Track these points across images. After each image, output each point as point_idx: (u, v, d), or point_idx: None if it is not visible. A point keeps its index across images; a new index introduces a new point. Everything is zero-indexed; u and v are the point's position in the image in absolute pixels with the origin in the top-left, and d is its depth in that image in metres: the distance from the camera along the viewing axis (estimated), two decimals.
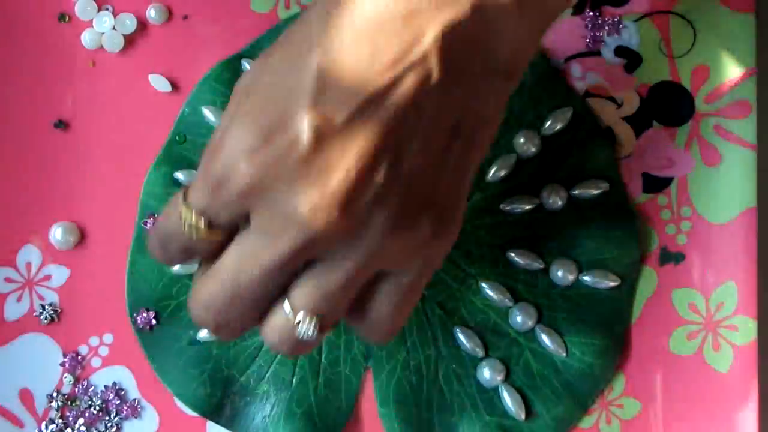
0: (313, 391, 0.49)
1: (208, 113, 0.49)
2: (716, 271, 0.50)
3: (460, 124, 0.36)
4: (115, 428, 0.49)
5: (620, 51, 0.51)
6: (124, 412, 0.49)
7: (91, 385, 0.49)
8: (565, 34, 0.51)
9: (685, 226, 0.50)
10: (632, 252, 0.50)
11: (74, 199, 0.49)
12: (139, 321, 0.49)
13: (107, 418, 0.49)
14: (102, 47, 0.50)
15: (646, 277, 0.50)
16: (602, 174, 0.50)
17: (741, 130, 0.50)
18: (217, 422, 0.49)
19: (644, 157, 0.51)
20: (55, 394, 0.49)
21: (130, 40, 0.50)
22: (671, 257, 0.50)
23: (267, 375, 0.49)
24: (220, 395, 0.49)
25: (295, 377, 0.49)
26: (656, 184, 0.51)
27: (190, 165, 0.49)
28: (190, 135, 0.49)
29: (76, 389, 0.49)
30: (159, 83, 0.50)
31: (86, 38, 0.50)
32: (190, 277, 0.49)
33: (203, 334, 0.49)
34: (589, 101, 0.51)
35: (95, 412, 0.49)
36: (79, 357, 0.49)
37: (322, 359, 0.49)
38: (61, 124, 0.50)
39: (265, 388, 0.49)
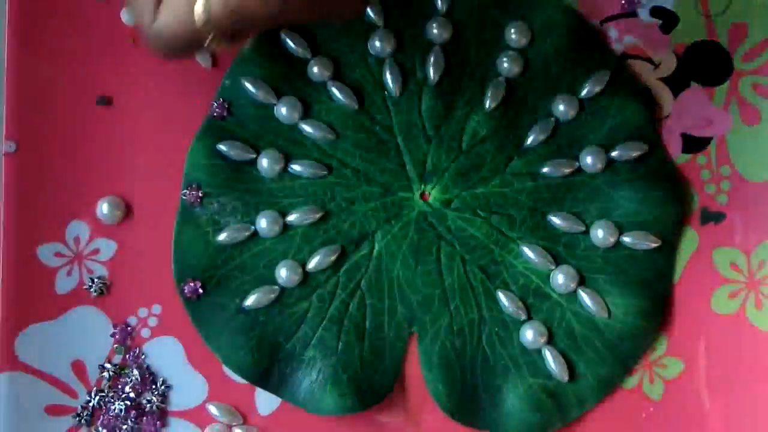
0: (358, 356, 0.49)
1: (248, 85, 0.50)
2: (757, 230, 0.50)
3: None
4: (163, 397, 0.50)
5: (656, 11, 0.51)
6: (174, 380, 0.50)
7: (141, 355, 0.50)
8: None
9: (725, 185, 0.50)
10: (673, 212, 0.50)
11: (119, 173, 0.50)
12: (186, 291, 0.49)
13: (154, 386, 0.50)
14: None
15: (687, 237, 0.50)
16: (641, 135, 0.50)
17: None
18: (265, 388, 0.49)
19: (683, 118, 0.50)
20: (106, 365, 0.50)
21: None
22: (712, 217, 0.50)
23: (313, 341, 0.49)
24: (267, 362, 0.49)
25: (340, 343, 0.49)
26: (695, 144, 0.50)
27: (233, 136, 0.50)
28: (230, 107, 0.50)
29: (127, 359, 0.50)
30: (199, 57, 0.50)
31: (126, 15, 0.50)
32: (236, 246, 0.50)
33: (250, 302, 0.49)
34: (627, 63, 0.51)
35: (145, 381, 0.50)
36: (129, 328, 0.50)
37: (367, 325, 0.50)
38: (104, 101, 0.50)
39: (312, 354, 0.49)
